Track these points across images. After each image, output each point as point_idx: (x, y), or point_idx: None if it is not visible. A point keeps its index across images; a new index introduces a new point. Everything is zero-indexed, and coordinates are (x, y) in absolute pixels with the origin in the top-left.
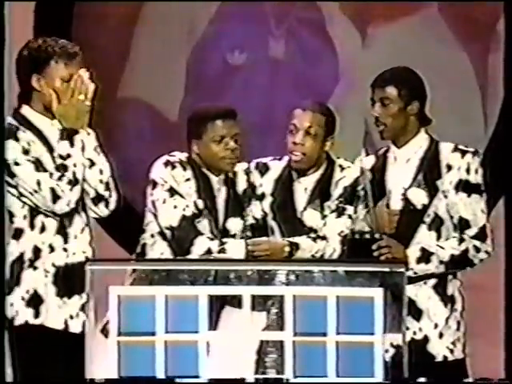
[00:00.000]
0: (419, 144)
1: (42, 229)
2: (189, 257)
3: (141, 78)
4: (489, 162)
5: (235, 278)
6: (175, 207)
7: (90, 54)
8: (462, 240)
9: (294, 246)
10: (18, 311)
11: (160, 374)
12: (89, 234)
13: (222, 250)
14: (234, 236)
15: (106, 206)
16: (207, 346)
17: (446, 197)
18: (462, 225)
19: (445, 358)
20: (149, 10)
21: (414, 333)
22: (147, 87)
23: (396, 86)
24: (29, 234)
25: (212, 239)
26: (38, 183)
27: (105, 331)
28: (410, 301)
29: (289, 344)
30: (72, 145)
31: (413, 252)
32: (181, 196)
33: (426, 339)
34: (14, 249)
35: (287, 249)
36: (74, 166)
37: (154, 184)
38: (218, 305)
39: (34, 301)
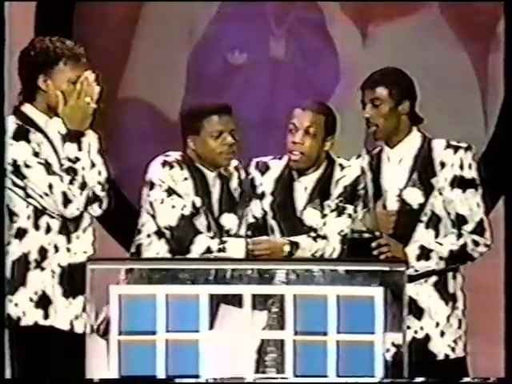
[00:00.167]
0: (412, 143)
1: (48, 229)
2: (189, 256)
3: (141, 77)
4: (489, 162)
5: (235, 278)
6: (173, 207)
7: (90, 54)
8: (460, 235)
9: (294, 245)
10: (26, 312)
11: (161, 373)
12: (92, 234)
13: (222, 249)
14: (228, 232)
15: (100, 206)
16: (208, 345)
17: (441, 194)
18: (460, 221)
19: (446, 356)
20: (149, 9)
21: (416, 332)
22: (148, 87)
23: (386, 86)
24: (33, 235)
25: (212, 238)
26: (50, 186)
27: (99, 331)
28: (411, 300)
29: (289, 343)
30: (80, 148)
31: (412, 250)
32: (179, 196)
33: (427, 338)
34: (16, 249)
35: (287, 248)
36: (83, 169)
37: (152, 185)
38: (218, 304)
39: (43, 302)
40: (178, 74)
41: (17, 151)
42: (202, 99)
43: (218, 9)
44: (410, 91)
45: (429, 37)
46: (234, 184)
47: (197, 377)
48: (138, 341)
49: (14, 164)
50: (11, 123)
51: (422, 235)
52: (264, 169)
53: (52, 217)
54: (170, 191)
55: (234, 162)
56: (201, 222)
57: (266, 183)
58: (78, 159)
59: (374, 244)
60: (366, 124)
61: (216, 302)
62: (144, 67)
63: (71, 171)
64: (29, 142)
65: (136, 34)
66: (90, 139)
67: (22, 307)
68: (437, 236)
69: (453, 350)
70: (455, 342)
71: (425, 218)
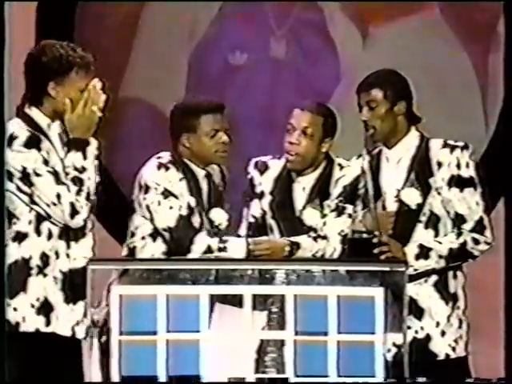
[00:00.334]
0: (410, 143)
1: (49, 235)
2: (189, 256)
3: (142, 77)
4: (489, 162)
5: (236, 278)
6: (171, 208)
7: (91, 54)
8: (459, 234)
9: (295, 246)
10: (26, 318)
11: (161, 374)
12: (91, 239)
13: (222, 249)
14: (218, 227)
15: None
16: (209, 346)
17: (439, 194)
18: (459, 220)
19: (447, 356)
20: (150, 10)
21: (416, 332)
22: (149, 87)
23: (381, 87)
24: (35, 240)
25: (212, 237)
26: (58, 196)
27: (89, 333)
28: (411, 300)
29: (290, 343)
30: (85, 157)
31: (411, 249)
32: (175, 197)
33: (428, 338)
34: (14, 252)
35: (288, 248)
36: (89, 179)
37: (147, 188)
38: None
39: (45, 308)
40: (179, 74)
41: (27, 159)
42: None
43: (218, 9)
44: (406, 91)
45: (429, 37)
46: (217, 179)
47: (197, 377)
48: (139, 341)
49: (24, 171)
50: (21, 129)
51: (422, 235)
52: (263, 168)
53: (53, 223)
54: (167, 193)
55: None
56: (195, 219)
57: (265, 183)
58: (84, 169)
59: (375, 241)
60: (364, 127)
61: (216, 302)
62: (145, 67)
63: (78, 181)
64: (39, 150)
65: (137, 34)
66: (94, 148)
67: (21, 312)
68: (436, 235)
69: (453, 349)
70: (456, 341)
71: (423, 218)
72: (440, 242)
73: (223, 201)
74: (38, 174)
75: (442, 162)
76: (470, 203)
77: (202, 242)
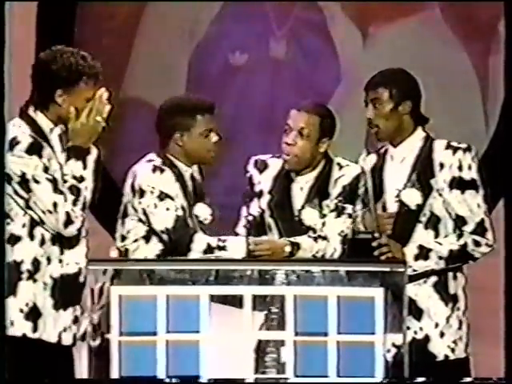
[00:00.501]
0: (414, 143)
1: (42, 240)
2: (190, 255)
3: (142, 78)
4: (489, 162)
5: (236, 278)
6: (168, 209)
7: (91, 54)
8: (460, 235)
9: (295, 246)
10: (14, 322)
11: (161, 374)
12: (85, 245)
13: (222, 248)
14: (202, 222)
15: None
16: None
17: (440, 195)
18: (460, 221)
19: (446, 357)
20: (151, 10)
21: (415, 332)
22: (149, 87)
23: (386, 87)
24: (27, 244)
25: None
26: (55, 205)
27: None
28: (411, 300)
29: (290, 344)
30: (85, 167)
31: (410, 250)
32: (171, 198)
33: (427, 338)
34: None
35: (288, 248)
36: (86, 189)
37: (142, 192)
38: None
39: (33, 314)
40: (179, 75)
41: (28, 165)
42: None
43: (218, 9)
44: (412, 91)
45: (429, 37)
46: (197, 175)
47: (197, 377)
48: (139, 341)
49: (23, 177)
50: (24, 134)
51: (422, 236)
52: (262, 167)
53: (46, 230)
54: (163, 195)
55: None
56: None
57: (264, 182)
58: (82, 179)
59: (374, 244)
60: (368, 125)
61: (216, 302)
62: (145, 67)
63: (75, 191)
64: (41, 157)
65: (137, 34)
66: (94, 156)
67: (9, 316)
68: (436, 236)
69: (452, 350)
70: (455, 342)
71: (424, 219)
72: (440, 243)
73: (204, 195)
74: (36, 181)
75: (444, 164)
76: (471, 205)
77: (201, 241)
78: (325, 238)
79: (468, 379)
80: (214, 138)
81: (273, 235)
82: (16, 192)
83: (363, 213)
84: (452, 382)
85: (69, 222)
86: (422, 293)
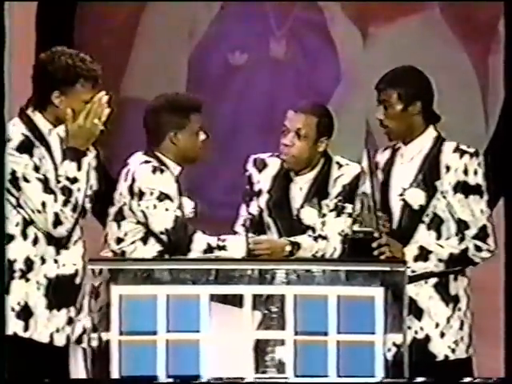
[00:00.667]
0: (424, 143)
1: (35, 240)
2: (191, 255)
3: (142, 78)
4: (489, 162)
5: (236, 278)
6: (167, 210)
7: (91, 55)
8: (462, 239)
9: (295, 246)
10: (6, 321)
11: (161, 374)
12: (82, 247)
13: (222, 247)
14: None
15: (84, 216)
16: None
17: (445, 197)
18: (462, 225)
19: (446, 357)
20: (150, 10)
21: (416, 332)
22: (149, 88)
23: (395, 88)
24: (20, 243)
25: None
26: (43, 205)
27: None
28: (411, 300)
29: (290, 343)
30: (79, 168)
31: (410, 250)
32: (170, 199)
33: (427, 338)
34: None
35: (288, 248)
36: (78, 190)
37: (141, 194)
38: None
39: (25, 313)
40: (179, 75)
41: (18, 163)
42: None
43: (218, 9)
44: (423, 91)
45: (429, 37)
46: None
47: (197, 377)
48: (139, 341)
49: (13, 174)
50: (17, 132)
51: (424, 236)
52: (261, 166)
53: (38, 230)
54: (162, 196)
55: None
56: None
57: (263, 181)
58: (75, 180)
59: (374, 244)
60: (379, 125)
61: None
62: (145, 67)
63: (67, 191)
64: (32, 156)
65: (137, 34)
66: (91, 158)
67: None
68: (439, 238)
69: (453, 351)
70: (456, 343)
71: (427, 220)
72: (441, 246)
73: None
74: (26, 180)
75: (450, 167)
76: (474, 210)
77: (200, 241)
78: (325, 238)
79: (468, 379)
80: (202, 136)
81: (272, 234)
82: (8, 191)
83: (361, 212)
84: (452, 382)
85: (58, 222)
86: (422, 293)
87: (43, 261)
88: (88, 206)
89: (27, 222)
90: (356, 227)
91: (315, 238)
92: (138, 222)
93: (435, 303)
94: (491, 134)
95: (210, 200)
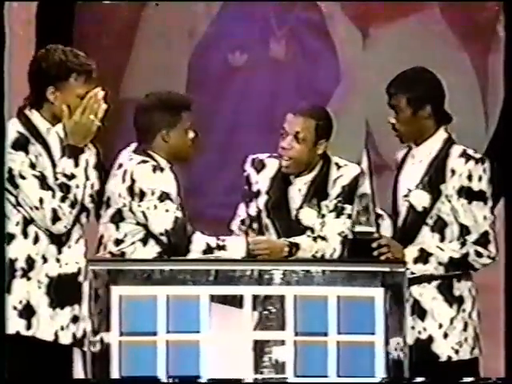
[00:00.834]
0: (434, 145)
1: (36, 239)
2: (190, 255)
3: (142, 78)
4: (489, 162)
5: (236, 278)
6: (167, 211)
7: (91, 55)
8: (463, 244)
9: (295, 246)
10: (8, 319)
11: (161, 374)
12: (84, 245)
13: (222, 247)
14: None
15: (87, 216)
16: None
17: (449, 201)
18: (464, 230)
19: (449, 358)
20: (150, 10)
21: (419, 332)
22: (149, 88)
23: (404, 93)
24: (21, 242)
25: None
26: (41, 201)
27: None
28: (415, 301)
29: (290, 344)
30: (77, 164)
31: (411, 252)
32: (171, 199)
33: (430, 339)
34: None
35: (287, 249)
36: (77, 187)
37: (142, 194)
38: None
39: (27, 312)
40: (179, 75)
41: (14, 161)
42: (202, 100)
43: (218, 9)
44: (432, 94)
45: (429, 37)
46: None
47: (197, 377)
48: (139, 341)
49: (10, 172)
50: (13, 130)
51: (427, 238)
52: (260, 167)
53: (38, 227)
54: (163, 196)
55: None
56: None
57: (261, 182)
58: (73, 176)
59: (374, 244)
60: (391, 128)
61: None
62: (145, 68)
63: (64, 188)
64: (27, 153)
65: (137, 34)
66: (88, 155)
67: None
68: (442, 240)
69: (456, 352)
70: (459, 344)
71: (431, 222)
72: (442, 249)
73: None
74: (22, 177)
75: (455, 171)
76: (476, 216)
77: (200, 241)
78: (324, 239)
79: (468, 379)
80: (191, 134)
81: (270, 235)
82: (7, 189)
83: (361, 212)
84: (452, 382)
85: (56, 218)
86: (426, 293)
87: (45, 260)
88: (90, 206)
89: (27, 221)
90: (356, 228)
91: (314, 239)
92: (138, 223)
93: (438, 304)
94: (491, 134)
95: (209, 200)
